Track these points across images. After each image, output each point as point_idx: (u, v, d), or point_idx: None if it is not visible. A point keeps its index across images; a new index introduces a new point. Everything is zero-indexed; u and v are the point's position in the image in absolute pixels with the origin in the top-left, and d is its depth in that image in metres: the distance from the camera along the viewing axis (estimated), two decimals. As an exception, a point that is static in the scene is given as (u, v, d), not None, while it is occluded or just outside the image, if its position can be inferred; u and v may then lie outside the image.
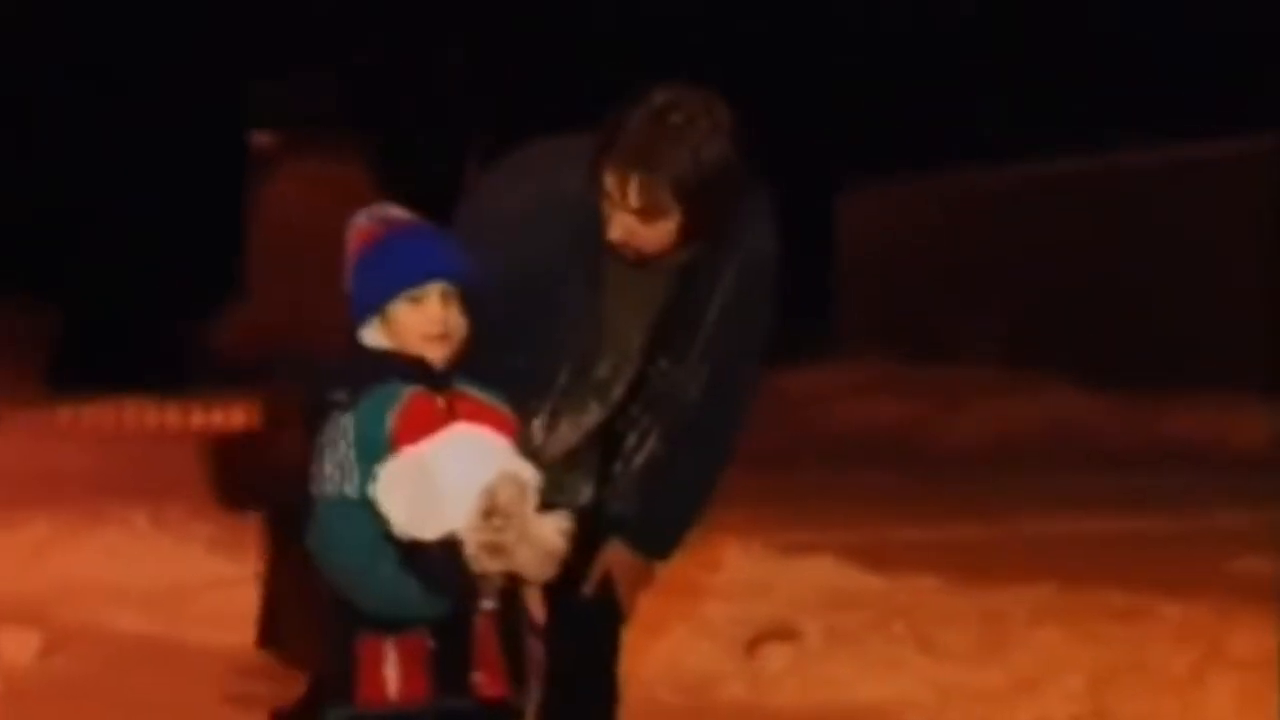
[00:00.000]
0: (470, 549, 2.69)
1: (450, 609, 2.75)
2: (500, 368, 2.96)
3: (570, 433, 3.31)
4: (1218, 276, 16.76)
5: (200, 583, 7.28)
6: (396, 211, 2.97)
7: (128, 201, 23.05)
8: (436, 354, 2.86)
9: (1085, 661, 5.95)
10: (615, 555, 3.40)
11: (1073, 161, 18.39)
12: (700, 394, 3.33)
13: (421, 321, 2.86)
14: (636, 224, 3.08)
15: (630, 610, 3.49)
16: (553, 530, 2.76)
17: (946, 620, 6.56)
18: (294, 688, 5.00)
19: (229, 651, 6.13)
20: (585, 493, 3.40)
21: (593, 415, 3.33)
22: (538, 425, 3.27)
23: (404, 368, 2.85)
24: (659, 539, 3.46)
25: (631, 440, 3.36)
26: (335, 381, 2.83)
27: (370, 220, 2.94)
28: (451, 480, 2.71)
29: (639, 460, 3.37)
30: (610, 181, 3.06)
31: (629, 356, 3.30)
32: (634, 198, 3.04)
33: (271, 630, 5.43)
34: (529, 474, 2.77)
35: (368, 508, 2.73)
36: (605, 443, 3.37)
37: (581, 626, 3.34)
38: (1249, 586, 7.38)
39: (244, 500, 5.42)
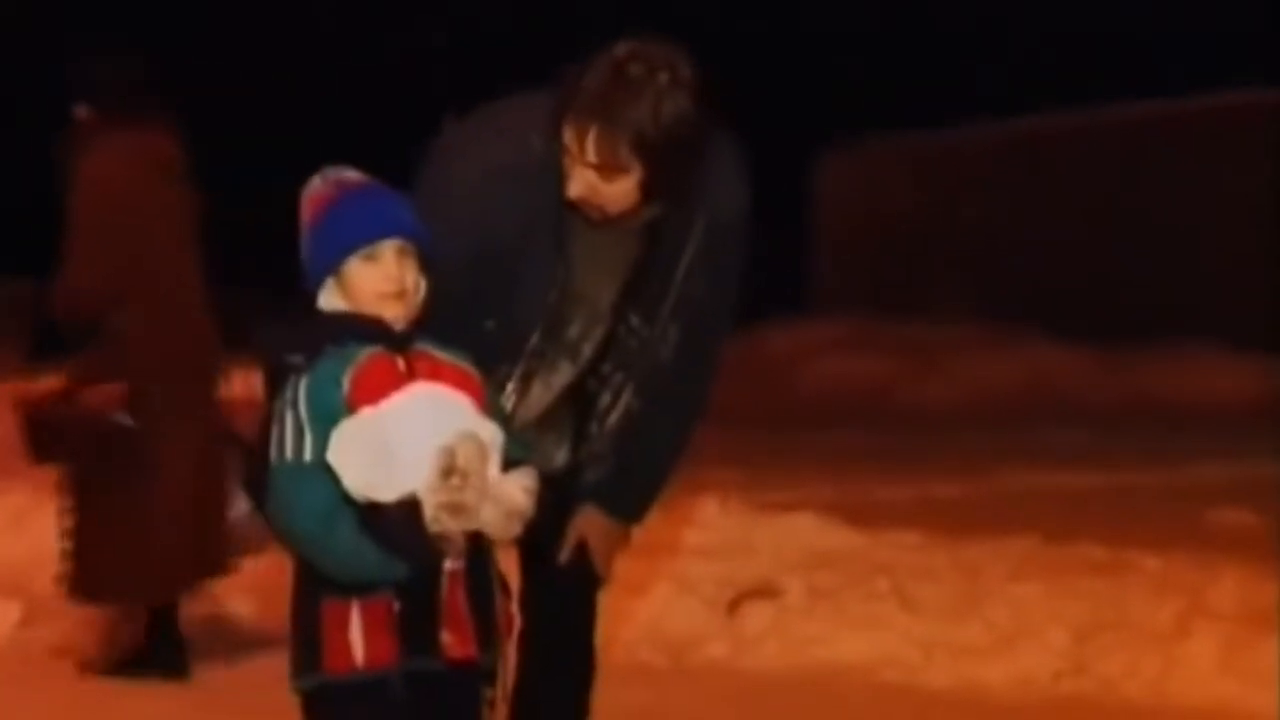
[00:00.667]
0: (429, 510, 2.66)
1: (410, 571, 2.71)
2: (470, 331, 2.94)
3: (543, 394, 3.29)
4: (1196, 230, 16.79)
5: None
6: (350, 174, 2.92)
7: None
8: (393, 312, 2.83)
9: (1067, 616, 5.95)
10: (589, 521, 3.39)
11: (1050, 117, 18.39)
12: (672, 352, 3.30)
13: (378, 279, 2.83)
14: (597, 180, 3.03)
15: (606, 574, 3.47)
16: (516, 488, 2.73)
17: (927, 577, 6.56)
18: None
19: (209, 619, 6.12)
20: (560, 456, 3.38)
21: (564, 375, 3.30)
22: (510, 388, 3.24)
23: (362, 329, 2.80)
24: (632, 502, 3.44)
25: (605, 399, 3.33)
26: (291, 345, 2.80)
27: (324, 184, 2.90)
28: (407, 439, 2.67)
29: (614, 418, 3.34)
30: (569, 136, 3.01)
31: (599, 315, 3.27)
32: (592, 152, 2.99)
33: (80, 580, 5.64)
34: (489, 432, 2.73)
35: (324, 471, 2.69)
36: (579, 403, 3.34)
37: (558, 593, 3.34)
38: (1228, 539, 7.44)
39: (53, 454, 5.64)
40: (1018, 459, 10.68)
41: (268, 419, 2.78)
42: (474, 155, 3.16)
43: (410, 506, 2.66)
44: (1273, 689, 5.30)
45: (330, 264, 2.85)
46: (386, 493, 2.67)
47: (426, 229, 2.87)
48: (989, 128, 19.02)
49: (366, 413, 2.70)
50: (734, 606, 6.31)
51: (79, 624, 6.03)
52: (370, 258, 2.83)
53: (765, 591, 6.41)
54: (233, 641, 5.97)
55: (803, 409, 14.76)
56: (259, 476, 2.77)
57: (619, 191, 3.05)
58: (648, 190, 3.05)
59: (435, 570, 2.75)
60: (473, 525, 2.70)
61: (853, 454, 11.45)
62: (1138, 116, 17.65)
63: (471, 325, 2.99)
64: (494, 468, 2.72)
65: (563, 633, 3.40)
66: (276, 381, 2.80)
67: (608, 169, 3.01)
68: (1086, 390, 14.96)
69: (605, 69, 2.98)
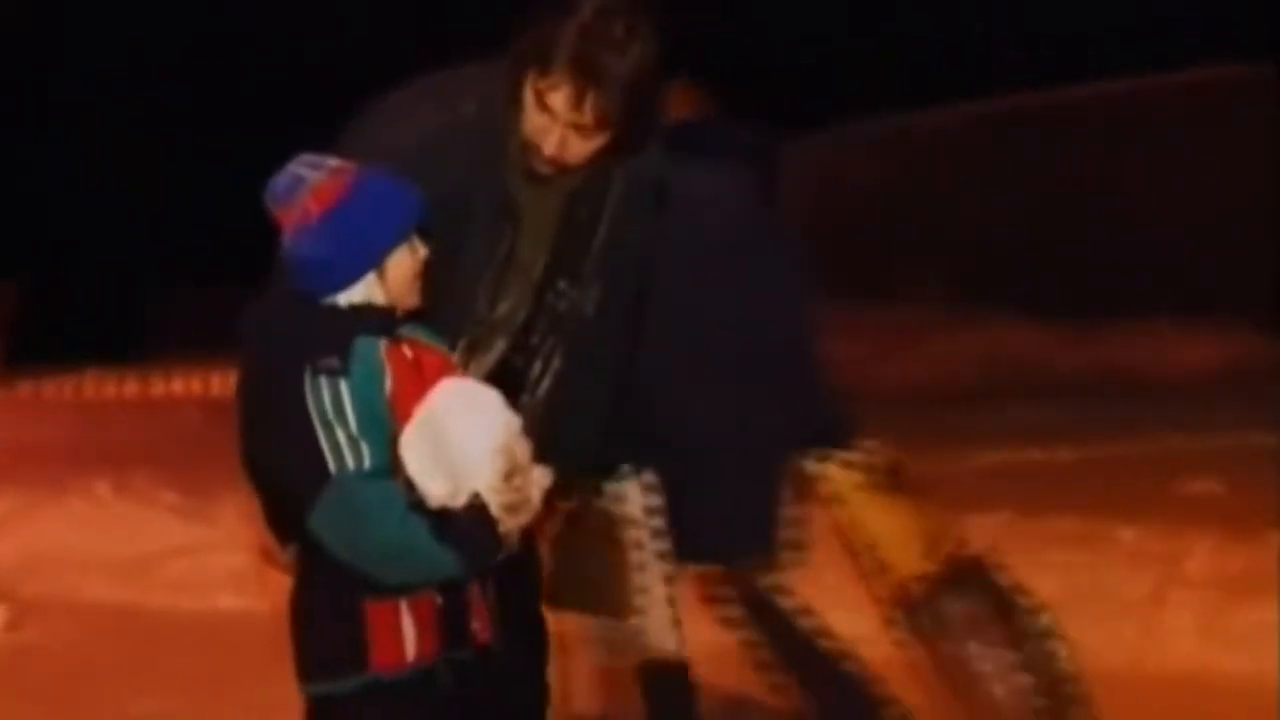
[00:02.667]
0: (495, 512, 2.68)
1: (478, 571, 2.75)
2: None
3: (475, 373, 3.18)
4: (1158, 205, 16.88)
5: (166, 550, 7.24)
6: (329, 160, 2.81)
7: (83, 176, 22.87)
8: (419, 296, 2.80)
9: (1044, 588, 5.66)
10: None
11: (1011, 97, 18.46)
12: (594, 309, 3.28)
13: (416, 264, 2.79)
14: (573, 137, 3.01)
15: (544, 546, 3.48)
16: (535, 488, 2.78)
17: None
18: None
19: (197, 618, 6.15)
20: None
21: (495, 352, 3.26)
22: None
23: (378, 321, 2.75)
24: (562, 466, 3.35)
25: (536, 368, 3.30)
26: (318, 346, 2.70)
27: (324, 174, 2.77)
28: (464, 441, 2.67)
29: (544, 387, 3.30)
30: (558, 96, 2.97)
31: (531, 285, 3.23)
32: (588, 110, 2.96)
33: None
34: (518, 421, 2.75)
35: (390, 479, 2.67)
36: (508, 378, 3.25)
37: (508, 573, 3.29)
38: (1200, 508, 7.42)
39: None
40: (988, 436, 10.66)
41: (304, 428, 2.68)
42: (403, 124, 3.09)
43: (481, 510, 2.67)
44: (1250, 654, 5.37)
45: (375, 256, 2.76)
46: (460, 498, 2.67)
47: None
48: (950, 110, 19.08)
49: (419, 418, 2.67)
50: None
51: (66, 627, 6.04)
52: (410, 243, 2.79)
53: None
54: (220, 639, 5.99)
55: None
56: (302, 487, 2.69)
57: (588, 148, 3.05)
58: (615, 146, 3.05)
59: (495, 568, 2.79)
60: (524, 522, 2.74)
61: None
62: (1102, 94, 17.74)
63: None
64: None
65: (516, 611, 3.27)
66: (298, 384, 2.69)
67: (591, 127, 3.00)
68: (1054, 366, 14.99)
69: (587, 27, 2.95)
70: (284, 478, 2.76)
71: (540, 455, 3.16)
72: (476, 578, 2.81)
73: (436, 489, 2.66)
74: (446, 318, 3.06)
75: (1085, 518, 6.97)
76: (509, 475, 2.68)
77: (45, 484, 8.34)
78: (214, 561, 5.84)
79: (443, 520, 2.67)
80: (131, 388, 15.58)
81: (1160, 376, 13.96)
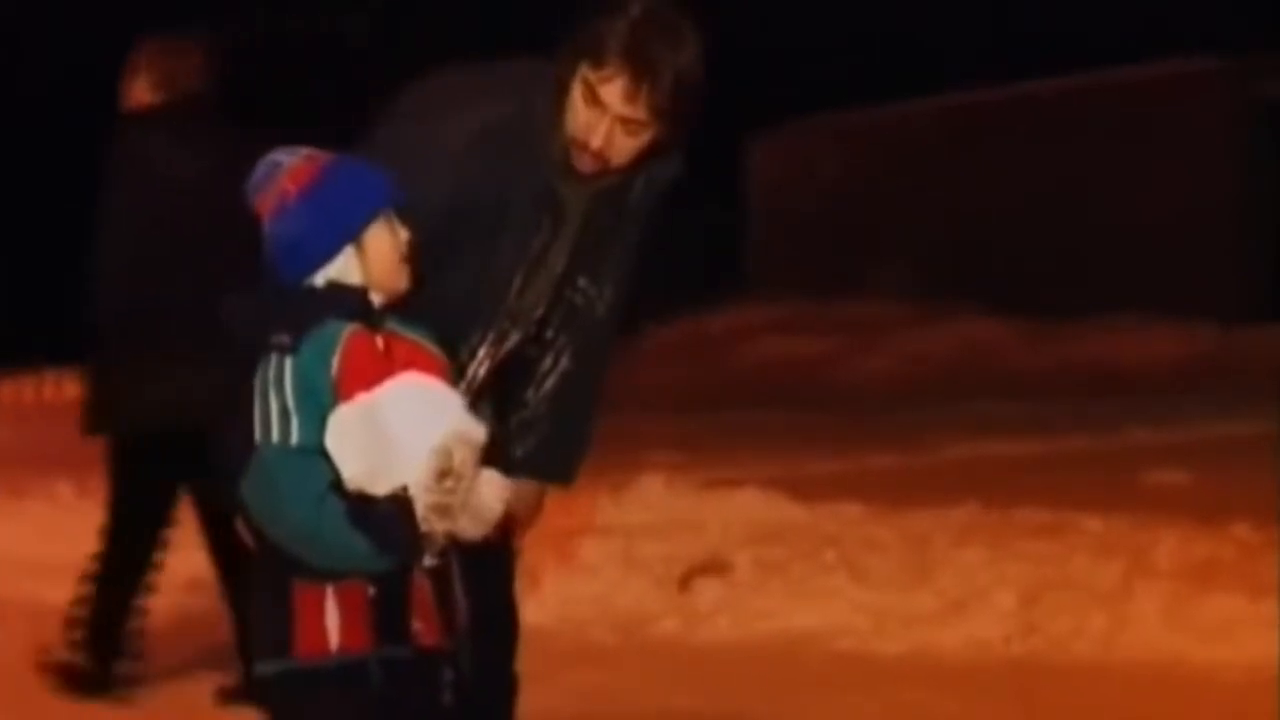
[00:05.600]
0: (420, 510, 2.62)
1: (393, 566, 2.66)
2: (431, 299, 2.86)
3: (489, 363, 3.25)
4: (1122, 201, 16.92)
5: None
6: (302, 150, 2.81)
7: (38, 177, 22.77)
8: (405, 279, 2.77)
9: (1013, 579, 6.00)
10: (520, 496, 3.26)
11: (977, 92, 18.47)
12: (605, 311, 3.33)
13: (398, 243, 2.77)
14: (620, 133, 3.03)
15: (522, 541, 3.47)
16: (493, 497, 2.74)
17: (873, 547, 6.61)
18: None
19: (160, 621, 6.09)
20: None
21: (510, 344, 3.28)
22: (476, 361, 3.22)
23: (350, 304, 2.73)
24: (568, 466, 3.43)
25: (546, 363, 3.33)
26: (274, 323, 2.69)
27: (301, 159, 2.77)
28: (403, 432, 2.62)
29: (550, 382, 3.33)
30: (612, 89, 2.99)
31: (552, 280, 3.26)
32: (642, 102, 2.98)
33: None
34: (478, 432, 2.70)
35: (314, 457, 2.62)
36: (517, 370, 3.32)
37: (477, 565, 3.20)
38: (1164, 499, 7.49)
39: None
40: (955, 430, 10.74)
41: (241, 398, 2.68)
42: (470, 111, 3.10)
43: (403, 503, 2.61)
44: (1216, 643, 5.37)
45: (353, 229, 2.75)
46: (381, 486, 2.61)
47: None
48: (919, 104, 19.08)
49: (362, 400, 2.63)
50: (684, 583, 6.34)
51: (28, 630, 5.97)
52: (389, 221, 2.76)
53: (714, 567, 6.44)
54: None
55: (742, 389, 14.77)
56: (229, 456, 2.69)
57: (634, 145, 3.06)
58: (656, 145, 3.08)
59: (414, 567, 2.71)
60: (453, 527, 2.68)
61: (793, 431, 11.48)
62: (1067, 88, 17.75)
63: (434, 293, 2.90)
64: (478, 470, 2.71)
65: (485, 604, 3.33)
66: (252, 359, 2.69)
67: (640, 122, 3.02)
68: (1020, 361, 15.05)
69: (640, 25, 2.99)
70: (222, 446, 2.74)
71: (545, 457, 3.33)
72: (427, 575, 2.74)
73: (351, 469, 2.62)
74: (478, 308, 3.14)
75: (1053, 509, 6.99)
76: (441, 476, 2.61)
77: (5, 486, 8.26)
78: (176, 563, 5.75)
79: (361, 507, 2.62)
80: (93, 390, 15.43)
81: (1122, 371, 14.03)
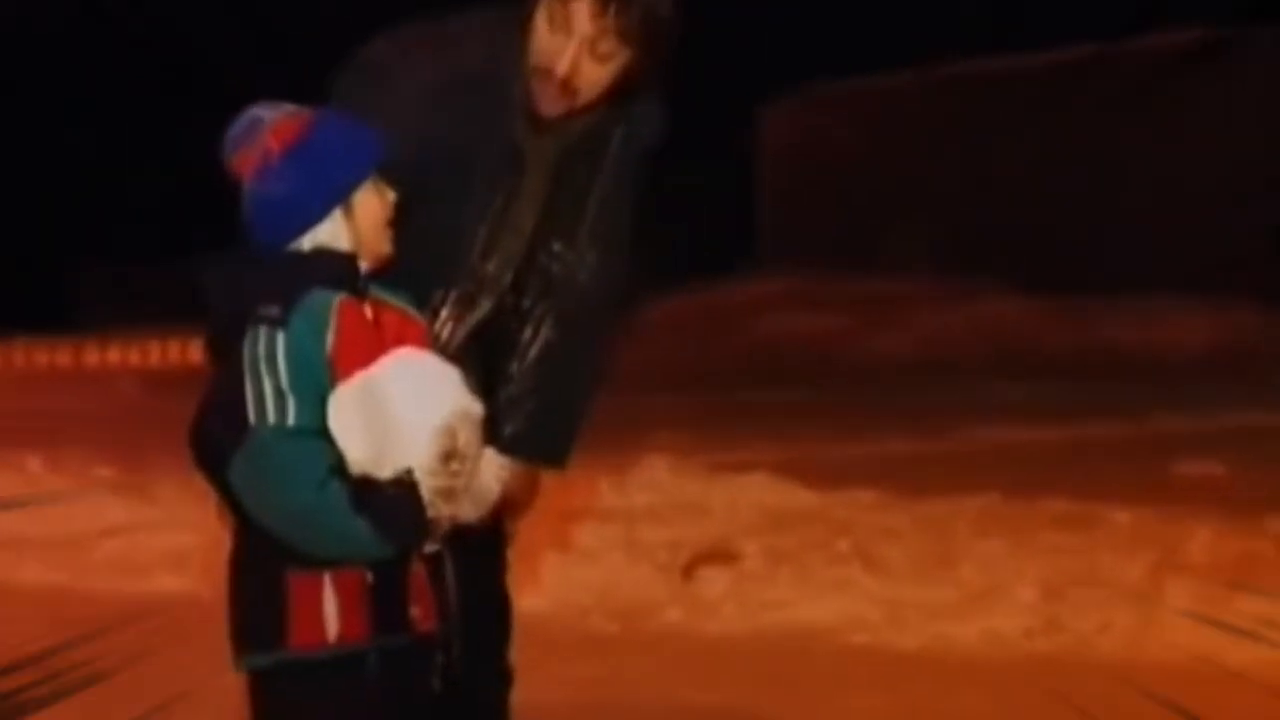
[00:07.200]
0: (426, 494, 2.54)
1: (397, 552, 2.60)
2: (401, 262, 2.76)
3: (458, 332, 3.18)
4: (1155, 173, 16.76)
5: (101, 529, 7.12)
6: (284, 105, 2.71)
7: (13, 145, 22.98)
8: (390, 243, 2.69)
9: (1035, 572, 5.93)
10: (513, 478, 3.20)
11: (1004, 59, 18.30)
12: (589, 277, 3.24)
13: (386, 205, 2.69)
14: (586, 59, 2.95)
15: (517, 525, 3.40)
16: (491, 476, 2.69)
17: (888, 535, 6.55)
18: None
19: (134, 599, 5.95)
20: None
21: (480, 312, 3.21)
22: (428, 318, 3.06)
23: (338, 270, 2.63)
24: (560, 446, 3.36)
25: (526, 334, 3.26)
26: (261, 294, 2.58)
27: (282, 113, 2.67)
28: (405, 413, 2.53)
29: (533, 353, 3.27)
30: (580, 6, 2.93)
31: (521, 242, 3.20)
32: (610, 20, 2.91)
33: None
34: (477, 409, 2.62)
35: (314, 439, 2.53)
36: (496, 342, 3.24)
37: (469, 549, 3.12)
38: (1196, 491, 7.49)
39: None
40: (976, 413, 10.71)
41: (231, 376, 2.57)
42: (402, 75, 3.04)
43: (409, 487, 2.54)
44: (1249, 644, 5.22)
45: (343, 190, 2.64)
46: (385, 468, 2.54)
47: None
48: (939, 70, 18.92)
49: (360, 379, 2.53)
50: (689, 571, 6.25)
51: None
52: (375, 182, 2.67)
53: (721, 555, 6.36)
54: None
55: (751, 366, 14.90)
56: (219, 437, 2.58)
57: (600, 75, 2.98)
58: (624, 79, 3.00)
59: (417, 554, 2.66)
60: (457, 511, 2.61)
61: (804, 411, 11.50)
62: (1096, 54, 17.55)
63: (404, 257, 2.78)
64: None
65: (478, 589, 3.24)
66: (238, 332, 2.57)
67: (607, 49, 2.95)
68: (1044, 342, 15.10)
69: None
70: (210, 429, 2.63)
71: (535, 437, 3.25)
72: (422, 560, 2.68)
73: (355, 452, 2.53)
74: (439, 269, 3.07)
75: (1077, 499, 6.95)
76: (447, 458, 2.54)
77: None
78: (153, 541, 5.72)
79: (364, 491, 2.54)
80: (64, 357, 15.40)
81: (1157, 353, 14.08)
